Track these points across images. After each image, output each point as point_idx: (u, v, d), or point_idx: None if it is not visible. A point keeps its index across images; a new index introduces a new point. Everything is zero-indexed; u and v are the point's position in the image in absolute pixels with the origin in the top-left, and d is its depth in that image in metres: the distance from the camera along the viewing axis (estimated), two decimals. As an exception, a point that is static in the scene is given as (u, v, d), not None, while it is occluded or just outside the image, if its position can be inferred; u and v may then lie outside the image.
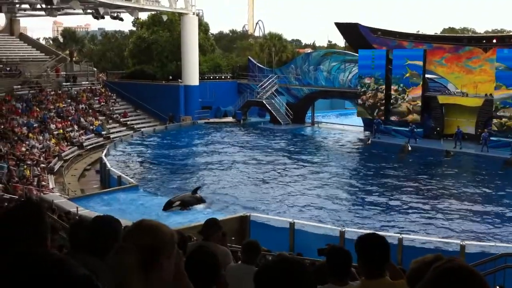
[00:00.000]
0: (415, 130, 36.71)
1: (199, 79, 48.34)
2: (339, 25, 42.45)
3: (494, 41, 37.18)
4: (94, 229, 3.18)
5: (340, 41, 72.40)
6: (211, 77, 50.89)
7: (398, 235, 14.93)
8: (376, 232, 3.97)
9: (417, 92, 38.55)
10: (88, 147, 35.94)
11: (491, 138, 33.64)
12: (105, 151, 30.80)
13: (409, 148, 34.70)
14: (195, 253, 4.50)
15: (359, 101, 41.22)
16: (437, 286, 1.60)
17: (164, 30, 52.07)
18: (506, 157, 31.63)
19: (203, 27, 54.56)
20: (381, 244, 3.51)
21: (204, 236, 6.22)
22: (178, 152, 34.91)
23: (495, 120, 34.50)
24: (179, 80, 47.87)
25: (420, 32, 46.04)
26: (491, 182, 27.15)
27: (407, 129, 37.46)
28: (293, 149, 36.24)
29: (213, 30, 76.63)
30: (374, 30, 41.30)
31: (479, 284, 1.59)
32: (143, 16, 52.98)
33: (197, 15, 50.53)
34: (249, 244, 5.59)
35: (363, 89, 40.70)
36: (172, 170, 29.77)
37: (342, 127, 45.51)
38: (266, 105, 46.50)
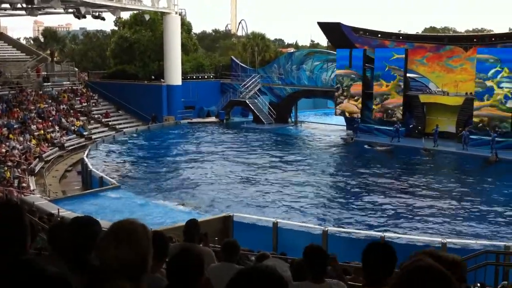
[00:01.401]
0: (400, 129, 36.99)
1: (182, 79, 48.16)
2: (322, 25, 42.60)
3: (475, 40, 37.61)
4: (73, 230, 3.14)
5: (322, 40, 72.79)
6: (194, 77, 50.76)
7: (380, 233, 15.03)
8: (385, 242, 3.93)
9: (358, 88, 40.04)
10: (70, 148, 35.62)
11: (471, 137, 34.05)
12: (86, 152, 30.52)
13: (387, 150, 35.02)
14: (180, 255, 4.49)
15: (337, 100, 41.72)
16: (407, 285, 1.61)
17: (146, 29, 51.79)
18: (487, 156, 32.02)
19: (185, 27, 54.37)
20: (381, 253, 3.40)
21: (186, 237, 6.23)
22: (161, 153, 34.77)
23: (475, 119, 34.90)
24: (162, 80, 47.65)
25: (401, 32, 46.39)
26: (471, 180, 27.46)
27: (391, 128, 37.80)
28: (276, 148, 36.28)
29: (196, 29, 76.53)
30: (356, 30, 41.53)
31: (446, 281, 1.61)
32: (125, 15, 52.69)
33: (180, 14, 50.32)
34: (228, 243, 5.68)
35: (338, 86, 41.37)
36: (155, 171, 29.63)
37: (325, 127, 45.70)
38: (249, 104, 46.50)
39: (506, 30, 47.03)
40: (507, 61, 33.72)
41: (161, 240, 4.42)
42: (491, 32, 48.51)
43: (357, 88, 40.69)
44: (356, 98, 40.81)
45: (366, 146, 36.43)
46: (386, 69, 39.12)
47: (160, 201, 22.90)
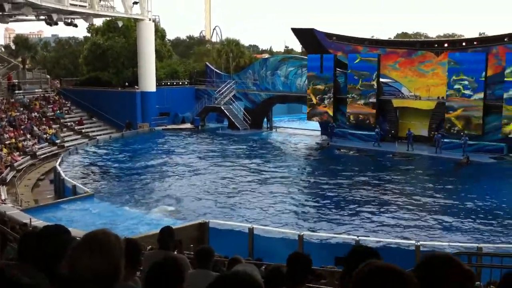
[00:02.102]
0: (380, 133, 37.37)
1: (156, 86, 47.90)
2: (295, 31, 42.88)
3: (446, 45, 38.26)
4: (42, 239, 3.09)
5: (297, 46, 73.14)
6: (169, 83, 50.55)
7: (355, 237, 15.13)
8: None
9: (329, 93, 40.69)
10: (42, 156, 35.06)
11: (444, 140, 34.59)
12: (59, 160, 30.12)
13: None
14: (159, 263, 4.45)
15: (309, 105, 42.18)
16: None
17: (119, 36, 51.38)
18: (459, 158, 32.56)
19: (159, 33, 54.12)
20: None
21: (160, 244, 6.18)
22: (135, 160, 34.47)
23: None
24: (136, 86, 47.33)
25: (374, 37, 46.94)
26: (444, 182, 27.84)
27: (367, 132, 38.28)
28: (251, 154, 36.29)
29: (170, 36, 76.17)
30: (330, 35, 41.90)
31: (400, 280, 1.69)
32: (98, 22, 52.24)
33: (154, 21, 50.09)
34: (202, 250, 5.65)
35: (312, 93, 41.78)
36: (129, 178, 29.33)
37: (300, 132, 45.94)
38: (224, 110, 46.50)
39: (476, 35, 47.99)
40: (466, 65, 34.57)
41: (134, 248, 4.39)
42: (462, 37, 49.45)
43: (328, 92, 41.17)
44: (327, 103, 41.32)
45: (336, 151, 36.74)
46: (349, 71, 40.17)
47: (134, 209, 22.71)
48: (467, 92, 34.93)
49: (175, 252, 7.60)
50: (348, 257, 3.29)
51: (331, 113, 41.16)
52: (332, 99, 41.09)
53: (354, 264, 3.33)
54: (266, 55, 64.71)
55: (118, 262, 2.26)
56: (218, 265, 7.81)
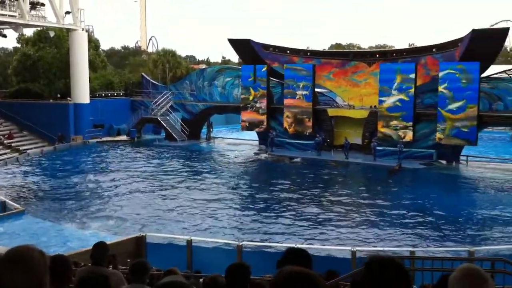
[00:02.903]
0: (319, 142, 37.96)
1: (90, 97, 46.76)
2: (232, 41, 43.08)
3: (377, 56, 39.54)
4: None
5: (234, 57, 73.51)
6: (103, 95, 49.50)
7: (294, 245, 15.25)
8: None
9: (263, 103, 41.62)
10: (-32, 171, 33.40)
11: (378, 148, 35.61)
12: (-13, 176, 28.78)
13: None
14: (86, 278, 4.32)
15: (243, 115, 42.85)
16: None
17: (51, 46, 49.84)
18: (393, 165, 33.59)
19: (93, 43, 52.94)
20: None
21: (93, 260, 6.03)
22: (68, 174, 33.39)
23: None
24: (68, 98, 46.02)
25: (309, 48, 47.89)
26: (378, 189, 28.68)
27: (305, 142, 38.93)
28: (189, 165, 36.00)
29: (104, 46, 74.63)
30: (266, 46, 42.39)
31: (313, 284, 1.82)
32: (28, 32, 50.53)
33: (87, 31, 48.98)
34: (136, 264, 5.51)
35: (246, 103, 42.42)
36: (62, 193, 28.34)
37: (238, 142, 46.08)
38: (161, 121, 46.00)
39: (406, 46, 49.85)
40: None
41: (62, 264, 4.23)
42: (393, 48, 51.28)
43: (262, 102, 41.67)
44: (261, 112, 41.85)
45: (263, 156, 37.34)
46: (250, 79, 41.61)
47: (68, 224, 21.99)
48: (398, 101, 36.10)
49: (110, 267, 7.41)
50: (282, 259, 3.36)
51: (265, 123, 41.69)
52: (265, 109, 41.62)
53: (286, 264, 3.39)
54: (203, 66, 64.63)
55: (41, 279, 2.23)
56: (154, 279, 7.66)
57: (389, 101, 36.03)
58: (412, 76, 35.28)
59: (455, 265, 7.01)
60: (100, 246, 6.07)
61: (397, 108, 35.79)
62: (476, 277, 2.27)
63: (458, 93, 33.37)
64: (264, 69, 41.24)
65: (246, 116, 42.71)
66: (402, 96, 35.61)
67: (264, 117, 41.78)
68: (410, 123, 35.53)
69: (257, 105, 41.93)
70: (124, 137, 46.86)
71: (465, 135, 33.61)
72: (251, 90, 42.17)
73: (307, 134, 39.44)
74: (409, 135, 35.55)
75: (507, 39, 37.47)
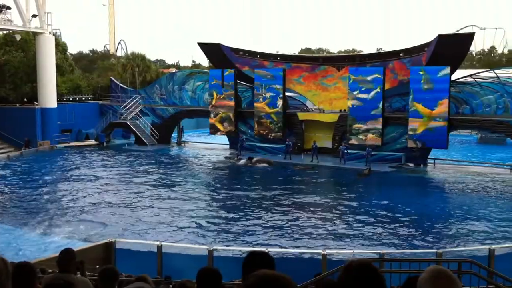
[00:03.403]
0: (290, 146, 38.17)
1: (58, 101, 46.02)
2: (202, 45, 43.00)
3: (346, 60, 39.97)
4: None
5: (204, 61, 73.35)
6: (71, 99, 48.78)
7: (264, 249, 15.25)
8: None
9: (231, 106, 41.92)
10: None
11: (347, 151, 35.96)
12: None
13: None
14: (50, 286, 4.24)
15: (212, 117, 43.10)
16: None
17: (17, 50, 48.90)
18: (362, 168, 33.96)
19: (60, 47, 52.15)
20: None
21: (60, 267, 5.92)
22: (35, 179, 32.76)
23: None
24: (35, 102, 45.19)
25: (279, 52, 48.11)
26: (347, 192, 28.92)
27: (275, 145, 39.11)
28: (159, 170, 35.71)
29: (72, 50, 73.64)
30: (236, 50, 42.42)
31: (282, 285, 1.87)
32: (-7, 35, 49.45)
33: (54, 34, 48.25)
34: (104, 270, 5.44)
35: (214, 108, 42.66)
36: (28, 199, 27.74)
37: (209, 146, 45.96)
38: (131, 126, 45.59)
39: (374, 51, 50.55)
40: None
41: (27, 271, 4.16)
42: (361, 53, 51.92)
43: (230, 106, 41.85)
44: (223, 117, 42.21)
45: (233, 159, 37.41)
46: (214, 82, 42.20)
47: (34, 231, 21.54)
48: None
49: (78, 274, 7.28)
50: (246, 262, 3.39)
51: (234, 126, 41.85)
52: (233, 113, 41.75)
53: (250, 267, 3.43)
54: (173, 70, 64.29)
55: (3, 286, 2.21)
56: (123, 285, 7.56)
57: (357, 104, 36.44)
58: (381, 80, 35.75)
59: (422, 267, 7.12)
60: (66, 253, 5.96)
61: (364, 112, 36.20)
62: (444, 278, 2.30)
63: (431, 94, 33.78)
64: (227, 72, 41.46)
65: (213, 120, 43.04)
66: (370, 100, 36.06)
67: (229, 122, 42.09)
68: (379, 127, 35.97)
69: (219, 109, 42.25)
70: (92, 142, 46.29)
71: (436, 136, 33.98)
72: (214, 93, 42.38)
73: (271, 137, 39.81)
74: (372, 137, 36.00)
75: (472, 44, 38.22)
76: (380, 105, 35.83)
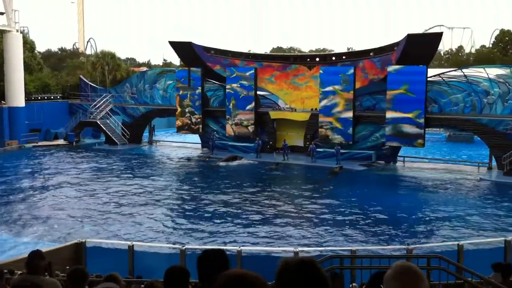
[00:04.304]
0: (260, 145, 38.25)
1: (26, 100, 45.18)
2: (173, 44, 42.73)
3: (317, 59, 40.23)
4: None
5: (175, 59, 72.82)
6: (39, 98, 47.93)
7: (237, 247, 15.25)
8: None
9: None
10: None
11: (318, 150, 36.21)
12: None
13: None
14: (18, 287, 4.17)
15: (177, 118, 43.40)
16: None
17: (-17, 48, 47.82)
18: (333, 167, 34.23)
19: (28, 45, 51.24)
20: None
21: (28, 268, 5.83)
22: (2, 180, 32.09)
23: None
24: (2, 101, 44.27)
25: (251, 51, 48.11)
26: (319, 190, 29.10)
27: (247, 144, 39.12)
28: (129, 169, 35.37)
29: (40, 48, 72.41)
30: (208, 49, 42.28)
31: (254, 286, 1.88)
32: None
33: (22, 32, 47.39)
34: (73, 271, 5.36)
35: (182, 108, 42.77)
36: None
37: (180, 145, 45.72)
38: (101, 125, 45.03)
39: (345, 50, 50.97)
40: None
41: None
42: (332, 52, 52.31)
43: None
44: (196, 116, 42.33)
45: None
46: (182, 79, 42.32)
47: (2, 232, 21.11)
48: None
49: (46, 276, 7.17)
50: (200, 259, 3.42)
51: (201, 125, 41.91)
52: (200, 111, 41.78)
53: (205, 265, 3.46)
54: (144, 68, 63.71)
55: None
56: (93, 285, 7.47)
57: (328, 103, 36.72)
58: (351, 78, 36.08)
59: (392, 263, 7.22)
60: (35, 254, 5.88)
61: (335, 110, 36.51)
62: (410, 274, 2.31)
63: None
64: (195, 70, 41.76)
65: (180, 119, 43.17)
66: (340, 99, 36.38)
67: (196, 120, 42.22)
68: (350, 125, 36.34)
69: (186, 109, 42.28)
70: (62, 141, 45.60)
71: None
72: (185, 93, 42.48)
73: (237, 134, 40.12)
74: (334, 137, 36.49)
75: (441, 44, 38.90)
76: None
